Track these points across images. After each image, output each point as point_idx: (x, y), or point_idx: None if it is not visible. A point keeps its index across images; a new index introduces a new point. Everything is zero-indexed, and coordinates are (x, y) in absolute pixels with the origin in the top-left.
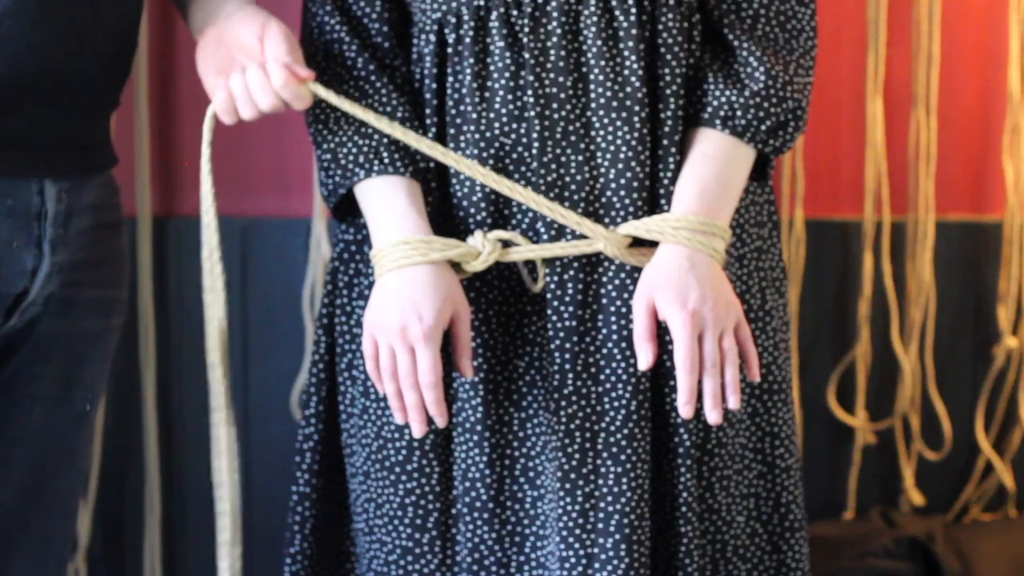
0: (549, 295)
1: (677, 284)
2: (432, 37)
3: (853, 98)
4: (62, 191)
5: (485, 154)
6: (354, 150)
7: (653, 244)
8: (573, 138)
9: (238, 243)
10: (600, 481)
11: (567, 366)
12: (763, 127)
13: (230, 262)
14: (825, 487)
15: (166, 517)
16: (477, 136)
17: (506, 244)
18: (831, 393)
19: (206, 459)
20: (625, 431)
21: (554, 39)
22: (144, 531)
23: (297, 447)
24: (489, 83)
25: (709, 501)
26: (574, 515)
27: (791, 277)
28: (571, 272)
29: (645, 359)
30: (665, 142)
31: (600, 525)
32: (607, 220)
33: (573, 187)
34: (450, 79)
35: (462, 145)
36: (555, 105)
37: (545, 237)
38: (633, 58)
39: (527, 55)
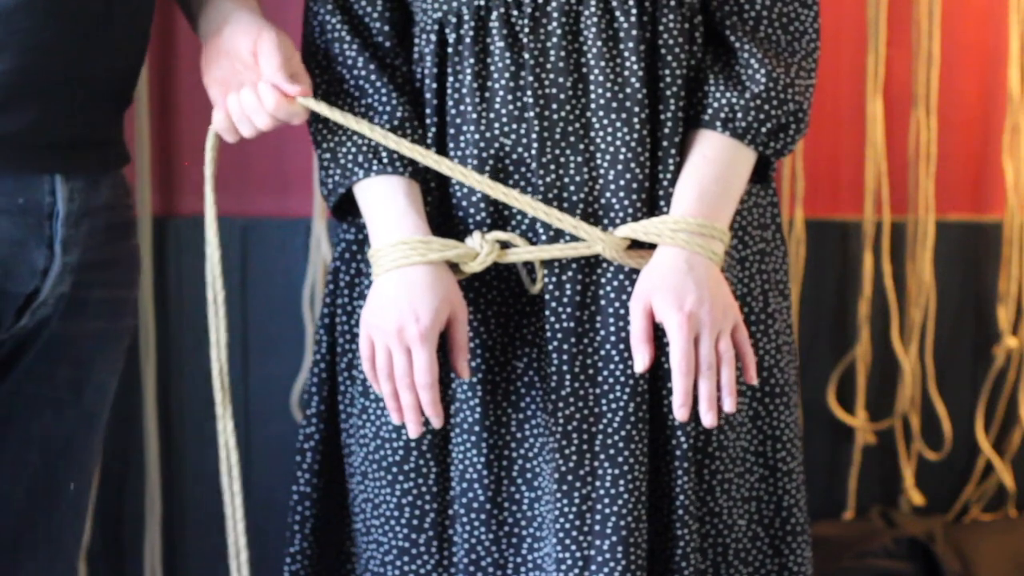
0: (547, 296)
1: (674, 286)
2: (433, 37)
3: (853, 98)
4: (74, 190)
5: (485, 154)
6: (353, 149)
7: (652, 246)
8: (572, 139)
9: (238, 243)
10: (597, 483)
11: (565, 367)
12: (763, 129)
13: (230, 262)
14: (825, 487)
15: (166, 517)
16: (477, 136)
17: (504, 245)
18: (831, 393)
19: (205, 458)
20: (623, 433)
21: (554, 39)
22: (144, 531)
23: (298, 447)
24: (489, 83)
25: (710, 504)
26: (571, 516)
27: (791, 277)
28: (569, 273)
29: (641, 361)
30: (665, 143)
31: (597, 527)
32: (606, 221)
33: (572, 188)
34: (450, 79)
35: (462, 145)
36: (555, 106)
37: (544, 238)
38: (633, 59)
39: (527, 55)
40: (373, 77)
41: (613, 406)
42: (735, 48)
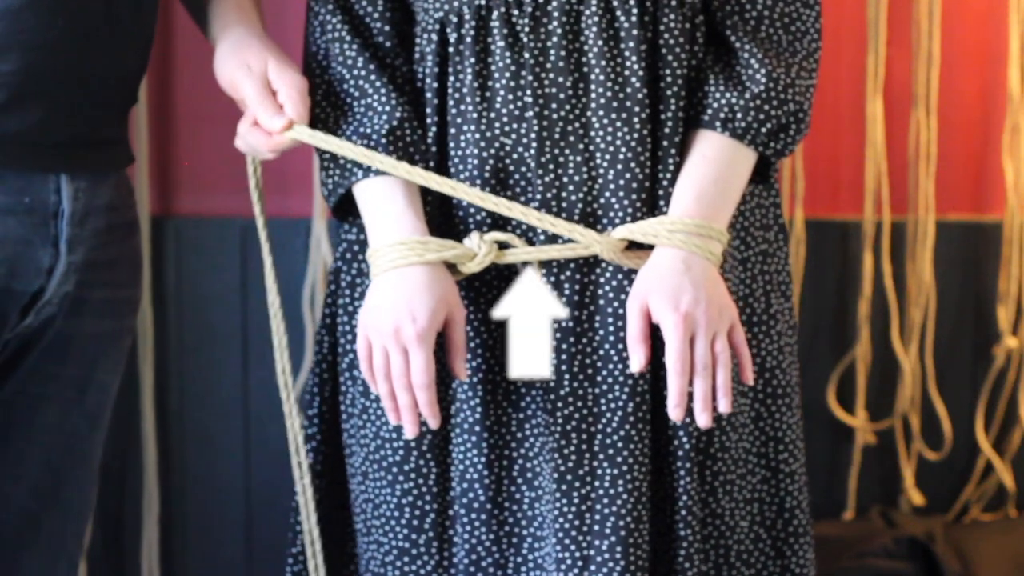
0: None
1: (670, 287)
2: (434, 36)
3: (853, 98)
4: (79, 190)
5: (485, 154)
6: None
7: (650, 246)
8: (572, 138)
9: (238, 243)
10: (596, 483)
11: (564, 367)
12: (763, 130)
13: (230, 262)
14: (825, 487)
15: (164, 517)
16: (477, 136)
17: (503, 246)
18: (831, 393)
19: (204, 458)
20: (622, 432)
21: (554, 39)
22: (142, 531)
23: None
24: (490, 83)
25: (712, 506)
26: (570, 516)
27: (791, 277)
28: (568, 273)
29: (637, 361)
30: (665, 143)
31: (596, 527)
32: (605, 221)
33: (571, 187)
34: (451, 78)
35: (462, 144)
36: (554, 105)
37: (542, 238)
38: (634, 58)
39: (527, 55)
40: (373, 77)
41: (612, 406)
42: (736, 48)
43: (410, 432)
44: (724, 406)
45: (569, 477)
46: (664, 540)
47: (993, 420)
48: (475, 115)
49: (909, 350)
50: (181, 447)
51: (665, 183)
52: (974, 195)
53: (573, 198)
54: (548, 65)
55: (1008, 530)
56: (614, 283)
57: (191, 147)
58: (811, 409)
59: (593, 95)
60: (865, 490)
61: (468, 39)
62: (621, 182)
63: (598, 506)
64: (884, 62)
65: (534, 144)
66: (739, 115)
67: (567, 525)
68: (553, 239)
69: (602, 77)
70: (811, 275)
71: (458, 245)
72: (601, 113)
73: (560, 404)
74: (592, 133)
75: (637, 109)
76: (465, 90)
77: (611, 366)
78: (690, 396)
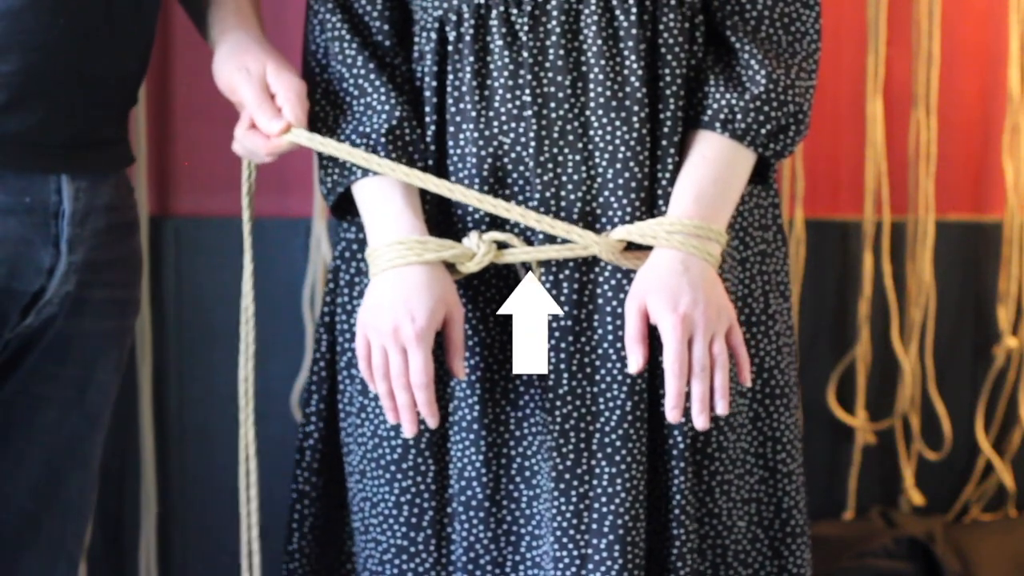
0: None
1: (669, 287)
2: (433, 35)
3: (853, 98)
4: (79, 190)
5: (484, 152)
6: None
7: (649, 247)
8: (571, 137)
9: (237, 243)
10: (595, 481)
11: (562, 366)
12: (763, 131)
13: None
14: (825, 487)
15: (162, 517)
16: (476, 135)
17: (501, 245)
18: (831, 393)
19: (202, 458)
20: (620, 432)
21: (553, 38)
22: (140, 531)
23: (297, 445)
24: (489, 82)
25: (709, 505)
26: (568, 515)
27: (791, 277)
28: (566, 272)
29: (635, 362)
30: (664, 143)
31: (594, 526)
32: (604, 220)
33: (570, 187)
34: (450, 77)
35: (461, 143)
36: (553, 104)
37: (541, 237)
38: (633, 58)
39: (526, 54)
40: (372, 76)
41: (610, 405)
42: (736, 48)
43: (408, 431)
44: (722, 408)
45: (567, 476)
46: (658, 539)
47: (993, 420)
48: (474, 114)
49: (909, 350)
50: (180, 447)
51: (664, 183)
52: (974, 195)
53: (572, 197)
54: (547, 64)
55: (1008, 530)
56: (613, 282)
57: (190, 147)
58: (811, 409)
59: (592, 94)
60: (865, 490)
61: (467, 38)
62: (620, 181)
63: (596, 505)
64: (884, 62)
65: (533, 143)
66: (739, 116)
67: (565, 523)
68: (552, 239)
69: (601, 76)
70: (811, 275)
71: (457, 245)
72: (600, 112)
73: (558, 403)
74: (591, 132)
75: (636, 109)
76: (464, 89)
77: (609, 365)
78: (687, 397)
